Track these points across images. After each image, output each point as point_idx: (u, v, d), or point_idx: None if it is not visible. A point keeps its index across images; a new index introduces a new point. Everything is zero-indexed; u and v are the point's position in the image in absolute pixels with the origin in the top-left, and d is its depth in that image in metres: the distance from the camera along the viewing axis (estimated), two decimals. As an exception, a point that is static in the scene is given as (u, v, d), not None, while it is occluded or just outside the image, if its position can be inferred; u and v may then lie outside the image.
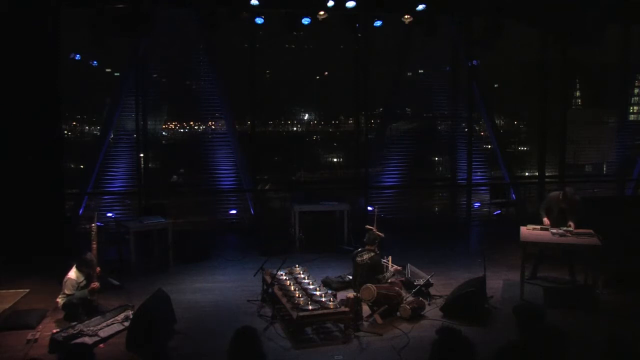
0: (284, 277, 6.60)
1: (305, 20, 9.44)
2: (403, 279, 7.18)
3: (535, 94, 11.67)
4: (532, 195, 11.90)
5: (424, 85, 11.48)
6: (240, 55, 10.66)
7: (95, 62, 10.57)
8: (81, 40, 9.53)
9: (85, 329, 5.59)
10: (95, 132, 11.12)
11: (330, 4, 9.16)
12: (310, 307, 5.66)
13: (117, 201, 10.27)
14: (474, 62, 11.14)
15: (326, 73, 11.85)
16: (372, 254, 6.70)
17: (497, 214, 11.44)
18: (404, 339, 5.68)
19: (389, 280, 6.72)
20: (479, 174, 11.51)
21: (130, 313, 6.02)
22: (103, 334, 5.64)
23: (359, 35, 10.47)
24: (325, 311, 5.66)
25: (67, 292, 6.10)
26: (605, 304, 6.68)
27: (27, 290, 6.94)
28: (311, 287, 6.27)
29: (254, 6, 9.06)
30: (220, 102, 10.52)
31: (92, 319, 5.83)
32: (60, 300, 6.15)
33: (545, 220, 7.53)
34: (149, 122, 10.44)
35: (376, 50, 10.78)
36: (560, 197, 7.48)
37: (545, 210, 7.64)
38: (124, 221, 8.57)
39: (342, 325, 5.81)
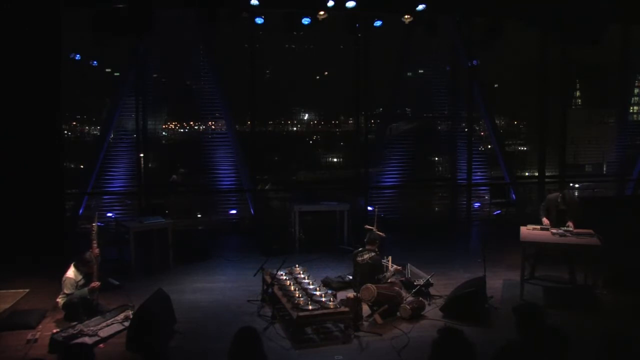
0: (284, 277, 6.61)
1: (305, 20, 9.44)
2: (403, 279, 7.18)
3: (535, 94, 11.67)
4: (532, 195, 11.90)
5: (424, 85, 11.48)
6: (240, 55, 10.66)
7: (95, 62, 10.57)
8: (81, 40, 9.53)
9: (85, 329, 5.59)
10: (95, 132, 11.12)
11: (330, 4, 9.16)
12: (310, 307, 5.66)
13: (117, 201, 10.28)
14: (474, 62, 11.14)
15: (326, 73, 11.85)
16: (373, 253, 6.70)
17: (497, 214, 11.44)
18: (404, 339, 5.68)
19: (389, 280, 6.72)
20: (479, 174, 11.51)
21: (130, 313, 6.02)
22: (103, 334, 5.64)
23: (359, 35, 10.46)
24: (325, 311, 5.66)
25: (66, 291, 6.10)
26: (605, 304, 6.69)
27: (27, 290, 6.92)
28: (311, 287, 6.27)
29: (254, 6, 9.06)
30: (220, 102, 10.52)
31: (92, 319, 5.83)
32: (60, 300, 6.15)
33: (545, 220, 7.55)
34: (149, 122, 10.44)
35: (376, 50, 10.77)
36: (559, 200, 7.54)
37: (545, 211, 7.69)
38: (124, 221, 8.57)
39: (342, 325, 5.81)
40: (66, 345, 5.11)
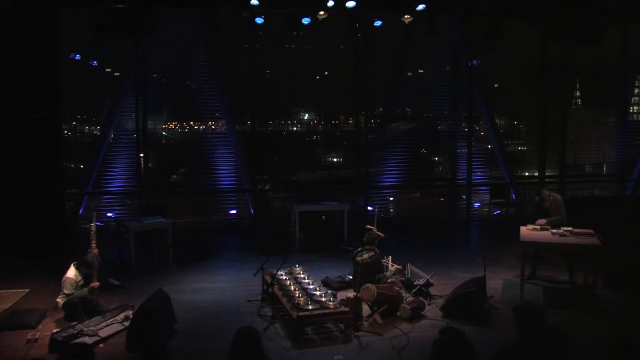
0: (284, 277, 6.60)
1: (305, 20, 9.44)
2: (403, 278, 7.18)
3: (535, 94, 11.67)
4: (532, 196, 11.89)
5: (424, 85, 11.48)
6: (240, 55, 10.66)
7: (95, 62, 10.57)
8: (81, 40, 9.53)
9: (85, 329, 5.59)
10: (95, 132, 11.12)
11: (330, 4, 9.16)
12: (310, 307, 5.66)
13: (117, 201, 10.28)
14: (474, 62, 11.14)
15: (326, 73, 11.85)
16: (372, 253, 6.70)
17: (497, 214, 11.44)
18: (404, 339, 5.68)
19: (389, 280, 6.72)
20: (479, 174, 11.51)
21: (130, 313, 6.02)
22: (103, 334, 5.64)
23: (359, 35, 10.47)
24: (325, 311, 5.66)
25: (66, 291, 6.10)
26: (605, 304, 6.68)
27: (27, 290, 6.94)
28: (311, 287, 6.27)
29: (254, 6, 9.06)
30: (220, 102, 10.52)
31: (92, 319, 5.83)
32: (60, 300, 6.15)
33: (543, 220, 7.56)
34: (149, 122, 10.44)
35: (376, 50, 10.77)
36: (540, 200, 7.60)
37: (536, 212, 7.74)
38: (124, 221, 8.57)
39: (342, 325, 5.81)
40: (66, 345, 5.11)
